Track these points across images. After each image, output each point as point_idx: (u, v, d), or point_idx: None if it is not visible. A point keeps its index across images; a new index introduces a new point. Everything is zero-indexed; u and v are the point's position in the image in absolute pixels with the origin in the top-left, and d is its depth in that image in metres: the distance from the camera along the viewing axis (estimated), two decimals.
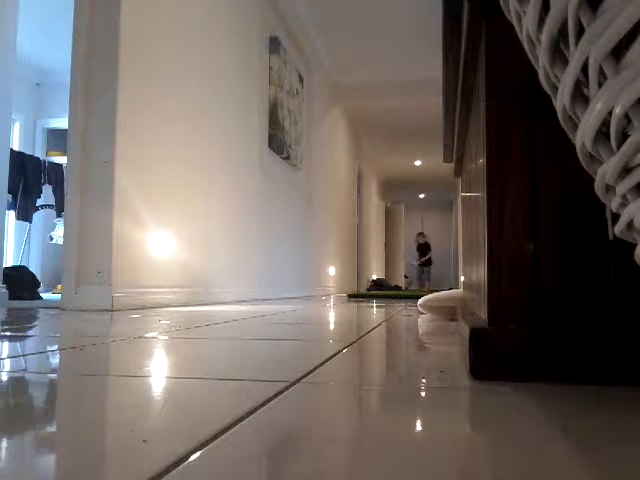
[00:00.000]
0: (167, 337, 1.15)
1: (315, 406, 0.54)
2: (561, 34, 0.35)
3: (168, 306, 2.48)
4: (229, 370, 0.75)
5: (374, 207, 10.47)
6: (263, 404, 0.51)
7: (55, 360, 0.86)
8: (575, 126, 0.38)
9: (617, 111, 0.31)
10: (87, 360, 0.83)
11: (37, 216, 4.78)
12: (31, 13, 4.22)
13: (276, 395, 0.55)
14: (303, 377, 0.65)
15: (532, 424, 0.46)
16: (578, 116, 0.36)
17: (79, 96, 2.23)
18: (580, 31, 0.33)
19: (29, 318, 1.78)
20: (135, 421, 0.46)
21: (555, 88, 0.38)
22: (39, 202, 4.54)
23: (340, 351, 0.92)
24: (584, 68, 0.33)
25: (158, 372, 0.72)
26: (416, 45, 5.32)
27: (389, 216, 12.18)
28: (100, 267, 2.16)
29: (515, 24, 0.42)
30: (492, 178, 0.71)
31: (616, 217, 0.38)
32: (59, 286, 3.33)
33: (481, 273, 0.81)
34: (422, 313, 1.91)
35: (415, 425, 0.48)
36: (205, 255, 3.02)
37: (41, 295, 3.74)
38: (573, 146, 0.39)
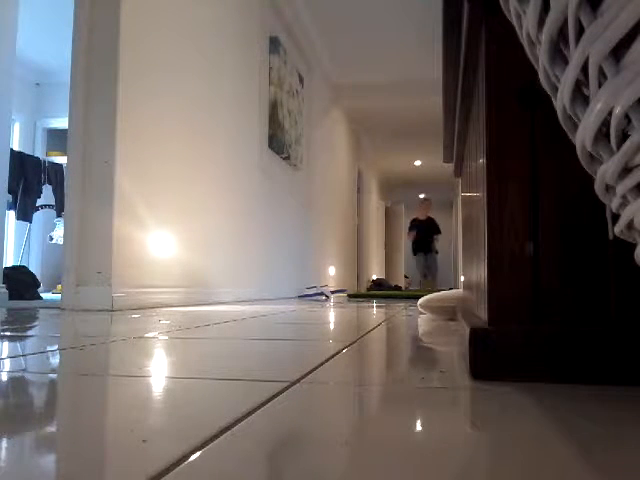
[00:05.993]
0: (167, 337, 1.15)
1: (315, 406, 0.54)
2: (561, 34, 0.35)
3: (168, 306, 2.48)
4: (229, 370, 0.75)
5: (374, 207, 10.47)
6: (263, 404, 0.51)
7: (55, 360, 0.86)
8: (575, 126, 0.38)
9: (617, 111, 0.31)
10: (87, 360, 0.83)
11: (37, 216, 4.77)
12: (31, 13, 4.22)
13: (276, 395, 0.55)
14: (303, 377, 0.65)
15: (532, 424, 0.46)
16: (578, 116, 0.36)
17: (79, 96, 2.23)
18: (580, 31, 0.33)
19: (29, 318, 1.78)
20: (135, 421, 0.46)
21: (555, 88, 0.38)
22: (39, 202, 4.54)
23: (340, 351, 0.92)
24: (584, 68, 0.33)
25: (158, 372, 0.72)
26: (416, 45, 5.32)
27: (389, 216, 12.18)
28: (100, 267, 2.16)
29: (515, 24, 0.42)
30: (492, 178, 0.71)
31: (616, 217, 0.38)
32: (59, 286, 3.33)
33: (481, 273, 0.81)
34: (422, 313, 1.91)
35: (415, 425, 0.48)
36: (205, 255, 3.03)
37: (41, 295, 3.74)
38: (573, 146, 0.39)
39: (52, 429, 0.46)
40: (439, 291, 1.89)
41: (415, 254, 8.53)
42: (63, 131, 3.40)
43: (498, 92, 0.71)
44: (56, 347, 1.02)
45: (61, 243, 2.48)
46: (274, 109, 4.11)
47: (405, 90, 6.37)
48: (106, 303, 2.12)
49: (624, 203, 0.36)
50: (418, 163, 10.00)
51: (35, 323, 1.60)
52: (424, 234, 8.32)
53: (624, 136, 0.32)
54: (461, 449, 0.40)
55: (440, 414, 0.52)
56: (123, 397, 0.57)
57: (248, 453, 0.38)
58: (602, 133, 0.34)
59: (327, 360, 0.81)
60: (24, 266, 4.12)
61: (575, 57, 0.33)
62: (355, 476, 0.34)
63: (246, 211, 3.64)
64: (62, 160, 4.46)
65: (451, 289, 2.05)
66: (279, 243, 4.34)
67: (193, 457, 0.36)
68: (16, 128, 5.50)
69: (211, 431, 0.41)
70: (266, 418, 0.47)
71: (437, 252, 8.71)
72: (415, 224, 8.42)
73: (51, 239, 5.12)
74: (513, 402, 0.54)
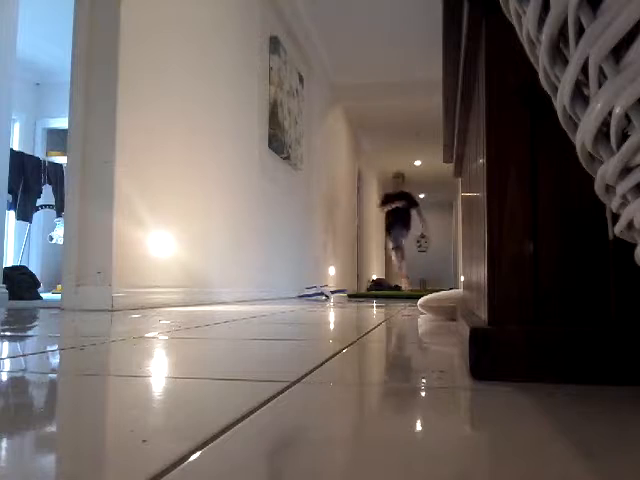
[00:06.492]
0: (167, 337, 1.15)
1: (315, 406, 0.54)
2: (561, 34, 0.35)
3: (168, 306, 2.48)
4: (229, 370, 0.75)
5: (374, 207, 10.47)
6: (263, 404, 0.51)
7: (55, 360, 0.86)
8: (575, 126, 0.38)
9: (617, 111, 0.31)
10: (87, 360, 0.83)
11: (37, 216, 4.78)
12: (31, 13, 4.22)
13: (276, 395, 0.55)
14: (303, 377, 0.65)
15: (532, 424, 0.46)
16: (578, 116, 0.36)
17: (79, 96, 2.23)
18: (580, 31, 0.33)
19: (29, 318, 1.78)
20: (135, 421, 0.46)
21: (555, 88, 0.38)
22: (39, 202, 4.54)
23: (340, 351, 0.92)
24: (584, 68, 0.33)
25: (158, 372, 0.72)
26: (416, 45, 5.32)
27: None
28: (100, 267, 2.16)
29: (515, 24, 0.42)
30: (492, 178, 0.71)
31: (616, 217, 0.38)
32: (59, 286, 3.33)
33: (481, 273, 0.81)
34: (422, 313, 1.91)
35: (415, 425, 0.48)
36: (205, 255, 3.02)
37: (41, 295, 3.74)
38: (573, 146, 0.39)
39: (52, 429, 0.46)
40: (438, 291, 1.89)
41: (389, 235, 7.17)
42: (63, 131, 3.41)
43: (498, 92, 0.71)
44: (56, 347, 1.02)
45: (61, 243, 2.48)
46: (274, 109, 4.11)
47: (405, 90, 6.37)
48: (106, 303, 2.12)
49: (624, 203, 0.36)
50: (418, 163, 10.00)
51: (35, 323, 1.60)
52: (396, 208, 7.04)
53: (624, 136, 0.32)
54: (461, 449, 0.40)
55: (440, 414, 0.52)
56: (123, 397, 0.57)
57: (248, 453, 0.38)
58: (602, 133, 0.34)
59: (327, 360, 0.81)
60: (24, 266, 4.12)
61: (575, 57, 0.33)
62: (355, 476, 0.34)
63: (246, 211, 3.64)
64: (62, 160, 4.46)
65: (451, 289, 2.05)
66: (279, 243, 4.34)
67: (193, 457, 0.36)
68: (16, 128, 5.50)
69: (211, 431, 0.41)
70: (266, 418, 0.47)
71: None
72: (386, 199, 7.14)
73: (51, 239, 5.12)
74: (513, 402, 0.54)
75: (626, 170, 0.33)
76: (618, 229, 0.38)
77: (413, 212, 7.33)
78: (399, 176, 7.50)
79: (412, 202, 7.35)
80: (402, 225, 7.30)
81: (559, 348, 0.63)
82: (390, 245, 7.53)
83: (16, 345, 1.04)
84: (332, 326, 1.59)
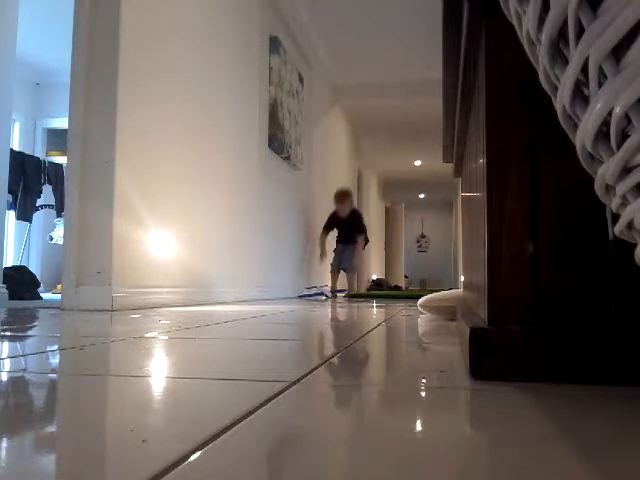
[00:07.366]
0: (167, 337, 1.15)
1: (315, 406, 0.54)
2: (561, 34, 0.35)
3: (168, 306, 2.48)
4: (229, 370, 0.75)
5: (374, 207, 10.47)
6: (263, 404, 0.51)
7: (55, 360, 0.86)
8: (575, 126, 0.38)
9: (617, 111, 0.31)
10: (87, 360, 0.83)
11: (37, 216, 4.77)
12: (31, 13, 4.22)
13: (276, 395, 0.55)
14: (303, 377, 0.65)
15: (532, 424, 0.46)
16: (578, 116, 0.36)
17: (79, 96, 2.23)
18: (580, 31, 0.33)
19: (29, 318, 1.78)
20: (135, 421, 0.46)
21: (555, 88, 0.38)
22: (39, 202, 4.53)
23: (340, 351, 0.92)
24: (584, 68, 0.33)
25: (158, 372, 0.72)
26: (416, 45, 5.32)
27: (389, 216, 12.18)
28: (100, 267, 2.16)
29: (515, 24, 0.42)
30: (492, 178, 0.71)
31: (616, 217, 0.38)
32: (59, 286, 3.33)
33: (481, 273, 0.81)
34: (422, 313, 1.91)
35: (415, 425, 0.48)
36: (205, 255, 3.02)
37: (41, 295, 3.74)
38: (573, 146, 0.39)
39: (52, 429, 0.46)
40: (438, 291, 1.89)
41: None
42: (63, 131, 3.40)
43: (498, 91, 0.71)
44: (56, 347, 1.02)
45: (61, 243, 2.48)
46: (274, 109, 4.11)
47: (405, 90, 6.37)
48: (106, 303, 2.12)
49: (624, 203, 0.36)
50: (418, 163, 10.00)
51: (35, 323, 1.60)
52: (346, 231, 5.42)
53: (624, 136, 0.32)
54: (461, 449, 0.40)
55: (440, 414, 0.52)
56: (123, 397, 0.57)
57: (248, 453, 0.38)
58: (602, 133, 0.34)
59: (327, 360, 0.81)
60: (24, 266, 4.12)
61: (575, 57, 0.33)
62: (355, 476, 0.34)
63: (246, 211, 3.64)
64: (62, 160, 4.46)
65: (451, 289, 2.05)
66: (279, 243, 4.34)
67: (193, 457, 0.36)
68: (16, 128, 5.50)
69: (211, 431, 0.41)
70: (266, 418, 0.47)
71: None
72: (334, 220, 5.43)
73: (51, 239, 5.12)
74: (513, 402, 0.54)
75: (626, 170, 0.33)
76: (618, 229, 0.38)
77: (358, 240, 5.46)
78: (343, 196, 5.37)
79: (360, 228, 5.46)
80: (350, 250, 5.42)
81: (559, 348, 0.63)
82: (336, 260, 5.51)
83: (16, 345, 1.04)
84: (332, 326, 1.59)
